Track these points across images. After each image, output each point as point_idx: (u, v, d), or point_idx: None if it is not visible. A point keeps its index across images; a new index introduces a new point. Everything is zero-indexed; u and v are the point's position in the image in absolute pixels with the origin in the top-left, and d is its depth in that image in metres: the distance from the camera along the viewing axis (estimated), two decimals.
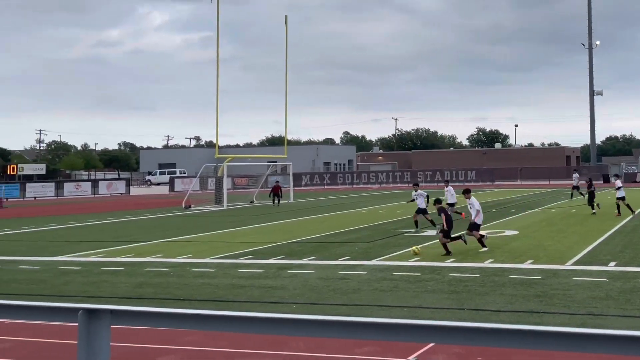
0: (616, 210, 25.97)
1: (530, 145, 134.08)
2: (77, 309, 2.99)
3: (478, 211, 16.96)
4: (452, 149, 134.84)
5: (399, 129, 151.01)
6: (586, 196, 28.63)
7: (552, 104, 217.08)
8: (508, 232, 20.94)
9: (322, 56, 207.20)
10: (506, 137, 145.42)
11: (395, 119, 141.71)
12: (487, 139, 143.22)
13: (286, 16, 44.81)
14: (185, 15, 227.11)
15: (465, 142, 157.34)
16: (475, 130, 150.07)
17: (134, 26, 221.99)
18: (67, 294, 12.28)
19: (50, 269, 15.62)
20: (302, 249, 17.99)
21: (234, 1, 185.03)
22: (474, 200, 17.27)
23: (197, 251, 18.20)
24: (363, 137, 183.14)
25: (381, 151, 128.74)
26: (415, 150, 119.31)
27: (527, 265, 14.31)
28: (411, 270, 13.85)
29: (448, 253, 15.89)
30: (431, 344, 7.79)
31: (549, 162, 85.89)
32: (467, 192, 17.68)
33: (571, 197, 38.04)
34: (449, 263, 14.76)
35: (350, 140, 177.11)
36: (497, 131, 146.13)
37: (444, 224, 16.26)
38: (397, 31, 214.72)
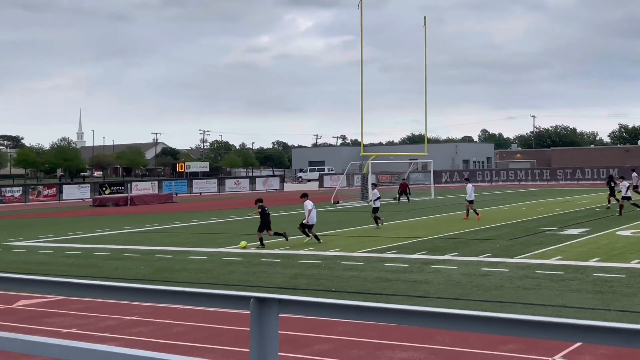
0: None
1: None
2: (248, 297, 3.08)
3: (310, 211, 19.05)
4: (592, 146, 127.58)
5: (537, 126, 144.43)
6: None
7: None
8: None
9: (457, 55, 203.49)
10: None
11: (533, 116, 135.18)
12: (629, 135, 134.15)
13: (425, 17, 44.44)
14: (327, 21, 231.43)
15: (606, 139, 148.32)
16: (617, 127, 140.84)
17: (280, 32, 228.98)
18: (231, 283, 12.87)
19: (215, 259, 16.42)
20: (444, 245, 17.76)
21: (370, 4, 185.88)
22: (307, 203, 19.21)
23: (346, 245, 18.44)
24: (500, 134, 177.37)
25: (519, 149, 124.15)
26: (554, 147, 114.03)
27: None
28: (554, 269, 13.28)
29: (262, 245, 18.12)
30: (577, 344, 7.46)
31: None
32: (304, 197, 19.69)
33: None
34: (592, 263, 14.02)
35: (488, 138, 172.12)
36: None
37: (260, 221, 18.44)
38: (529, 28, 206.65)
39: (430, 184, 46.19)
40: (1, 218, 35.35)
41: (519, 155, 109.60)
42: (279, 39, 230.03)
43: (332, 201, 38.84)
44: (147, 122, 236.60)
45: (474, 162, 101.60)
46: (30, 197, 49.99)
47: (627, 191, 26.03)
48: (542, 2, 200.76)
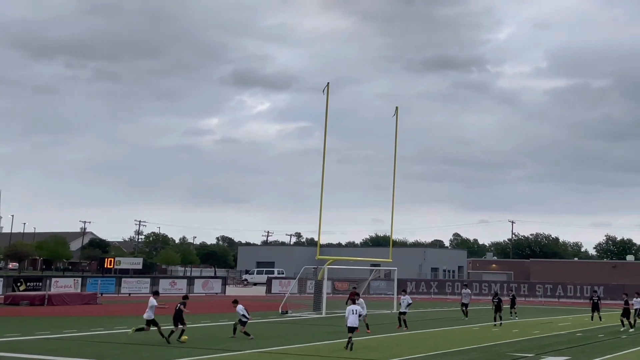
0: None
1: None
2: None
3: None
4: (576, 259, 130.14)
5: (516, 233, 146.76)
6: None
7: None
8: None
9: (423, 149, 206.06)
10: None
11: (512, 222, 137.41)
12: (617, 249, 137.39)
13: (397, 107, 45.60)
14: (280, 104, 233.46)
15: (592, 252, 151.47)
16: (604, 238, 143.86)
17: (227, 115, 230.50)
18: None
19: None
20: None
21: (329, 91, 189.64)
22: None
23: None
24: (475, 240, 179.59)
25: (495, 258, 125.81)
26: (533, 258, 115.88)
27: None
28: None
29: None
30: None
31: None
32: (235, 302, 24.88)
33: (465, 315, 36.75)
34: None
35: (460, 243, 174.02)
36: (630, 241, 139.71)
37: None
38: (499, 124, 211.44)
39: (393, 294, 46.24)
40: None
41: (494, 265, 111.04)
42: (226, 122, 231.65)
43: (280, 310, 38.52)
44: (74, 208, 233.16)
45: (444, 270, 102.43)
46: None
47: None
48: (513, 96, 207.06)
